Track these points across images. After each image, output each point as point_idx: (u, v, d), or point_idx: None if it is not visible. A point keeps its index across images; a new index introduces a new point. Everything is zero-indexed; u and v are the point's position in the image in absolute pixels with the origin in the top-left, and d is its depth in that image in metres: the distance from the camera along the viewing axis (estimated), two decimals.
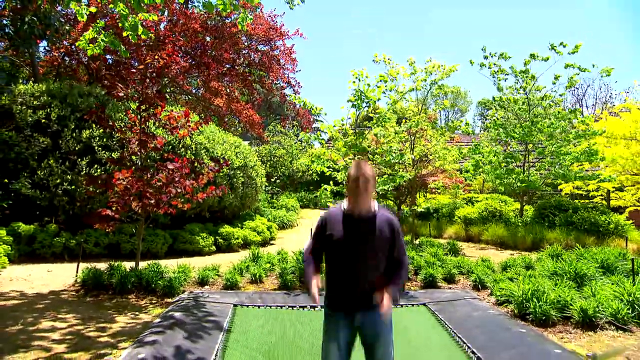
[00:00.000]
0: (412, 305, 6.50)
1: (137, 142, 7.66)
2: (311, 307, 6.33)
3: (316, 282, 3.32)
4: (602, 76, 13.92)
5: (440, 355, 4.83)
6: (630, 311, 5.71)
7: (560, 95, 14.97)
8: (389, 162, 10.10)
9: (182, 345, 4.66)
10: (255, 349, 4.90)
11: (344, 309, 3.34)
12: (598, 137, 14.56)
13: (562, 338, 5.30)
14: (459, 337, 5.19)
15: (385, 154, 10.07)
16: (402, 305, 6.45)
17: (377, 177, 10.26)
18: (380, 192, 10.50)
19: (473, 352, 4.71)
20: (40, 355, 4.46)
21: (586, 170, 14.21)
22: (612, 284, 6.61)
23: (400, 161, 10.19)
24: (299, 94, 20.16)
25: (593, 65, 13.64)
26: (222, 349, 4.73)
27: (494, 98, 15.34)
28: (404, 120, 11.05)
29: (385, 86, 10.08)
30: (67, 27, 11.19)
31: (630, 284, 6.30)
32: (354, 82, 9.73)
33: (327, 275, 3.48)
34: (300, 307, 6.38)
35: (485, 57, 14.34)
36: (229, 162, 9.80)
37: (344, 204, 3.46)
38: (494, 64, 14.53)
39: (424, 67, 10.66)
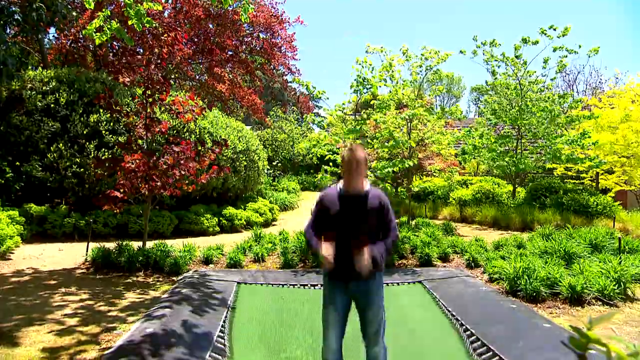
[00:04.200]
0: (409, 282, 6.77)
1: (143, 126, 7.89)
2: (311, 285, 6.62)
3: (325, 247, 3.67)
4: (589, 55, 13.94)
5: (434, 331, 5.12)
6: (616, 287, 5.93)
7: (552, 79, 15.08)
8: (390, 148, 10.30)
9: (188, 319, 4.90)
10: (257, 323, 5.19)
11: (341, 279, 3.72)
12: (588, 122, 14.78)
13: (551, 313, 5.53)
14: (452, 314, 5.45)
15: (382, 138, 10.27)
16: (399, 283, 6.73)
17: (376, 162, 10.54)
18: (380, 176, 10.73)
19: (465, 329, 4.97)
20: (54, 328, 4.66)
21: (578, 152, 14.35)
22: (600, 261, 6.83)
23: (400, 148, 10.41)
24: (301, 75, 20.33)
25: (579, 46, 13.66)
26: (226, 323, 5.01)
27: (486, 82, 15.46)
28: (401, 110, 11.23)
29: (387, 74, 10.27)
30: (74, 14, 11.36)
31: (617, 262, 6.51)
32: (357, 68, 9.93)
33: None
34: (300, 285, 6.66)
35: (478, 47, 14.40)
36: (230, 145, 10.01)
37: (339, 184, 3.81)
38: (486, 52, 14.57)
39: (420, 53, 10.80)
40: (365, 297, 3.74)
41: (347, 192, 3.73)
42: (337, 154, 10.40)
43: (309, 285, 6.63)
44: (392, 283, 6.70)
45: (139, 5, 6.24)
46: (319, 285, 6.45)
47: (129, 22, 6.39)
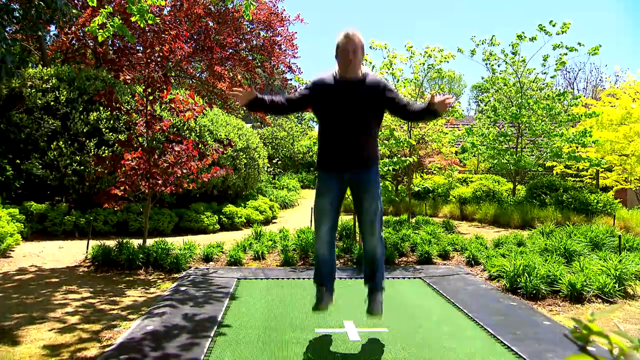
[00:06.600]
0: (409, 278, 6.79)
1: (144, 124, 7.89)
2: (311, 278, 6.65)
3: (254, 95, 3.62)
4: (589, 54, 13.86)
5: (440, 315, 5.17)
6: (616, 285, 5.93)
7: (552, 77, 15.05)
8: (391, 146, 10.30)
9: (189, 312, 4.97)
10: (257, 308, 5.28)
11: (335, 169, 3.63)
12: (590, 120, 14.79)
13: (551, 310, 5.53)
14: (453, 302, 5.53)
15: (383, 136, 10.27)
16: (399, 279, 6.74)
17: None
18: (381, 173, 10.72)
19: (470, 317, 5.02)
20: (55, 326, 4.67)
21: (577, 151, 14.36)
22: (600, 259, 6.83)
23: (400, 146, 10.41)
24: (301, 74, 20.31)
25: (579, 44, 13.60)
26: (227, 311, 5.09)
27: (482, 78, 15.48)
28: None
29: (388, 72, 10.25)
30: (74, 11, 11.36)
31: (617, 260, 6.51)
32: None
33: (320, 138, 3.74)
34: (301, 279, 6.72)
35: (477, 45, 14.37)
36: (233, 144, 10.03)
37: (334, 70, 3.66)
38: (485, 51, 14.54)
39: (422, 51, 10.78)
40: (360, 186, 3.62)
41: (342, 78, 3.56)
42: None
43: (309, 278, 6.66)
44: (392, 278, 6.73)
45: (142, 1, 6.24)
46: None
47: (132, 19, 6.40)
